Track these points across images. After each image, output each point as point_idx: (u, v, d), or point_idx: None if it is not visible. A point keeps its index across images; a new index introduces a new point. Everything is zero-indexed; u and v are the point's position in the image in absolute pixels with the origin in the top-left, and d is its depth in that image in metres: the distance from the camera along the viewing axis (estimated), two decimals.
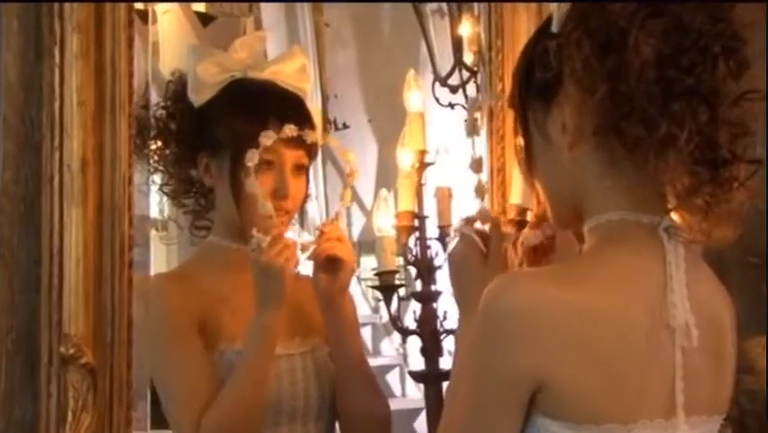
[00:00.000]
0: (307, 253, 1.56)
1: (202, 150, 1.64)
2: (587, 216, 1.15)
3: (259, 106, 1.59)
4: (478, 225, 1.27)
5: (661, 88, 1.05)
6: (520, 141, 1.20)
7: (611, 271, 1.08)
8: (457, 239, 1.28)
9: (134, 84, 1.40)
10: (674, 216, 1.12)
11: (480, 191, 1.39)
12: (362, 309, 4.11)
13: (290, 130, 1.55)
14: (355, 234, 4.67)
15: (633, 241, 1.10)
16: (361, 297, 4.49)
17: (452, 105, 3.38)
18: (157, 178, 1.69)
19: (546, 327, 1.03)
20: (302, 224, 1.73)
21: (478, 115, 1.37)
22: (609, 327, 1.04)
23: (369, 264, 5.12)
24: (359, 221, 4.45)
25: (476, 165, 1.43)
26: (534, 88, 1.15)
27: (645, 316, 1.06)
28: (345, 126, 4.68)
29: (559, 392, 1.03)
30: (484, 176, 1.78)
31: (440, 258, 2.41)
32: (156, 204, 1.74)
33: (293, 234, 1.64)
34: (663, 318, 1.06)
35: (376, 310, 4.63)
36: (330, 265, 1.57)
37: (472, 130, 1.40)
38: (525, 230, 1.31)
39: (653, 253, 1.09)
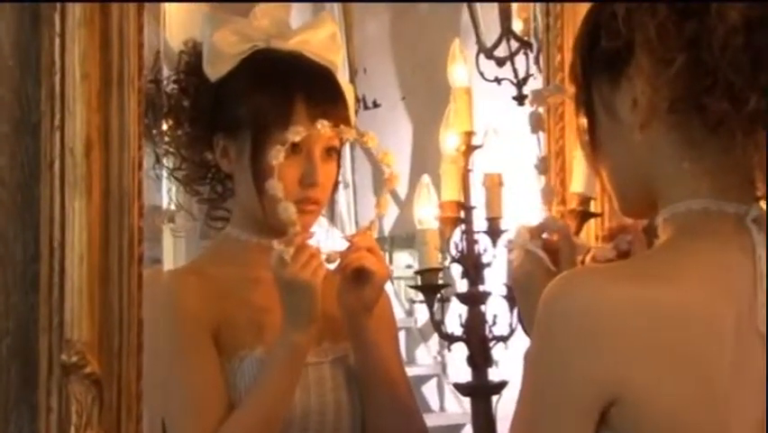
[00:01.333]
0: (334, 265, 1.56)
1: (219, 130, 1.64)
2: (661, 206, 1.14)
3: (284, 81, 1.59)
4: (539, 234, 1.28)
5: (749, 57, 1.04)
6: (583, 120, 1.19)
7: (693, 266, 1.07)
8: (515, 252, 1.28)
9: (144, 55, 1.41)
10: (764, 204, 1.11)
11: (547, 196, 1.38)
12: (395, 312, 4.11)
13: (323, 126, 1.55)
14: (386, 227, 4.68)
15: (716, 233, 1.09)
16: (394, 297, 4.49)
17: (498, 81, 3.37)
18: (167, 161, 1.70)
19: (621, 329, 1.01)
20: (332, 217, 1.73)
21: (540, 109, 1.36)
22: (696, 328, 1.03)
23: (402, 261, 5.14)
24: (391, 211, 4.45)
25: (542, 165, 1.41)
26: (600, 60, 1.15)
27: (733, 317, 1.05)
28: (376, 105, 4.68)
29: (637, 406, 1.02)
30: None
31: (488, 254, 2.40)
32: (166, 191, 1.75)
33: (320, 229, 1.65)
34: (752, 322, 1.05)
35: (410, 313, 4.63)
36: (358, 278, 1.57)
37: (537, 124, 1.39)
38: (598, 244, 1.31)
39: (741, 246, 1.08)
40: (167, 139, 1.69)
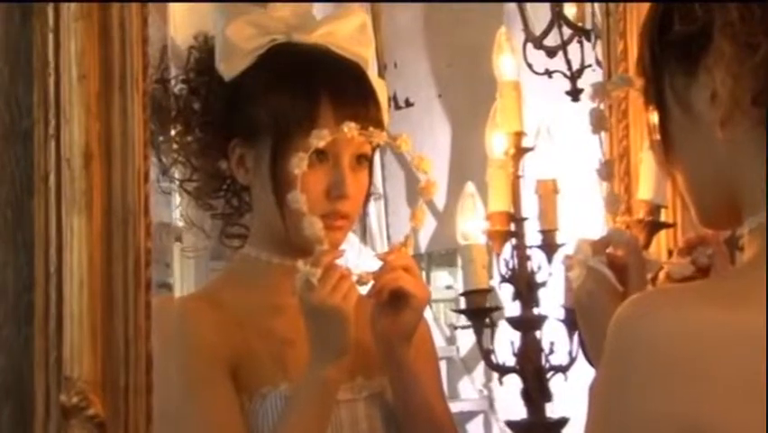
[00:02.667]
0: (366, 288, 1.57)
1: (234, 136, 1.65)
2: (747, 214, 1.12)
3: (308, 79, 1.60)
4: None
5: None
6: (653, 117, 1.19)
7: None
8: (575, 269, 1.27)
9: (149, 52, 1.41)
10: None
11: (612, 204, 1.37)
12: (435, 340, 4.11)
13: (349, 128, 1.55)
14: (422, 243, 4.68)
15: None
16: (433, 323, 4.49)
17: (549, 73, 3.37)
18: (176, 172, 1.71)
19: (708, 359, 1.00)
20: (363, 233, 1.74)
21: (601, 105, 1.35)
22: None
23: (441, 281, 5.14)
24: (428, 225, 4.45)
25: (605, 169, 1.40)
26: (673, 47, 1.14)
27: None
28: (408, 104, 4.69)
29: None
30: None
31: (543, 272, 2.40)
32: (175, 206, 1.76)
33: (351, 247, 1.65)
34: None
35: (451, 341, 4.63)
36: (394, 302, 1.57)
37: (599, 124, 1.38)
38: (673, 259, 1.30)
39: None
40: (175, 146, 1.70)
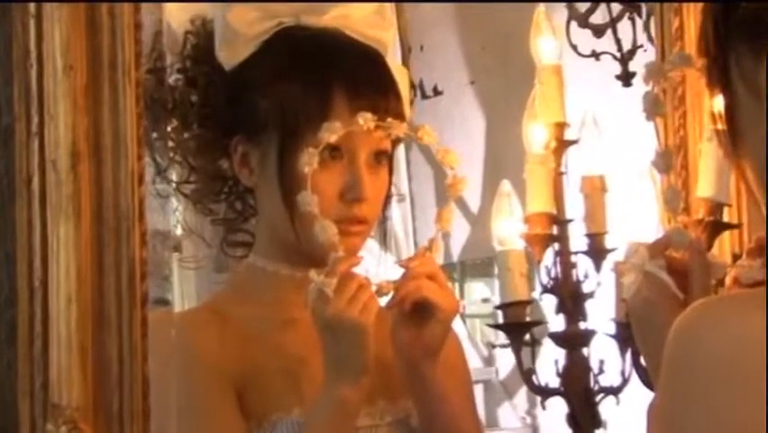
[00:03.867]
0: (387, 299, 1.58)
1: (237, 132, 1.66)
2: None
3: (319, 67, 1.61)
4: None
5: None
6: (716, 103, 1.18)
7: None
8: (629, 275, 1.27)
9: (143, 39, 1.42)
10: None
11: (671, 201, 1.37)
12: (469, 361, 4.11)
13: (365, 120, 1.56)
14: (455, 249, 4.67)
15: None
16: (467, 341, 4.48)
17: (596, 55, 3.36)
18: (172, 173, 1.72)
19: None
20: (383, 238, 1.74)
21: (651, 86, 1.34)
22: None
23: (476, 293, 5.11)
24: (461, 229, 4.44)
25: (663, 161, 1.40)
26: (741, 25, 1.13)
27: None
28: (437, 92, 4.69)
29: None
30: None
31: (591, 281, 2.40)
32: (173, 212, 1.76)
33: (369, 254, 1.65)
34: None
35: (489, 362, 4.62)
36: (417, 314, 1.58)
37: (654, 109, 1.38)
38: (742, 261, 1.30)
39: None
40: (171, 144, 1.71)
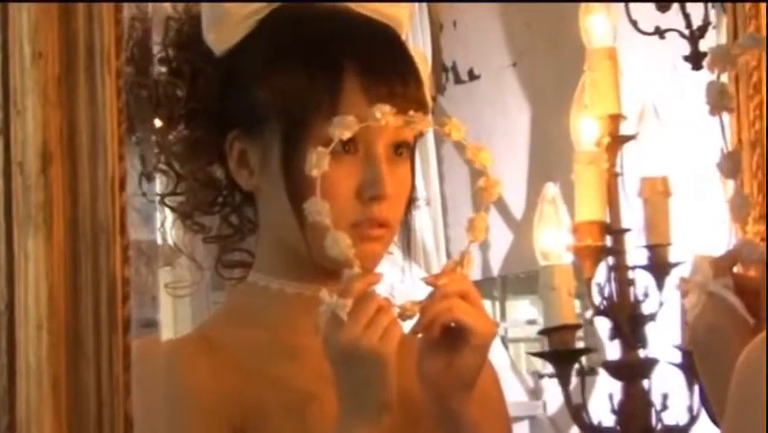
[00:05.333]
0: (412, 323, 1.58)
1: (232, 128, 1.68)
2: None
3: (325, 49, 1.63)
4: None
5: None
6: None
7: None
8: (692, 295, 1.28)
9: (124, 24, 1.42)
10: None
11: (738, 210, 1.37)
12: (512, 394, 4.12)
13: (382, 113, 1.57)
14: (494, 263, 4.67)
15: None
16: (509, 370, 4.48)
17: (661, 33, 3.36)
18: (158, 181, 1.73)
19: None
20: (407, 248, 1.75)
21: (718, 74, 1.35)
22: None
23: (519, 314, 5.11)
24: (502, 239, 4.44)
25: (729, 162, 1.41)
26: None
27: None
28: (473, 76, 4.70)
29: None
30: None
31: (652, 301, 2.40)
32: (160, 223, 1.77)
33: (391, 269, 1.66)
34: None
35: (535, 394, 4.62)
36: (447, 341, 1.58)
37: (720, 102, 1.39)
38: None
39: None
40: (156, 149, 1.72)
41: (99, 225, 1.41)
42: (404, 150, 1.63)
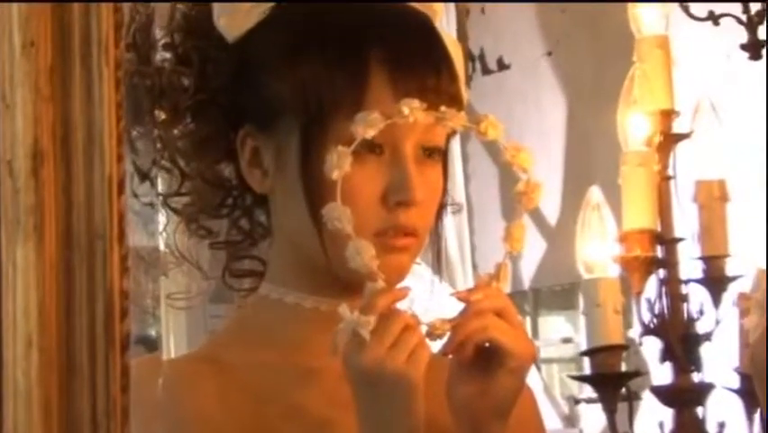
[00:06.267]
0: (442, 342, 1.58)
1: (244, 123, 1.69)
2: None
3: (352, 37, 1.64)
4: None
5: None
6: None
7: None
8: (753, 314, 1.29)
9: (125, 11, 1.43)
10: None
11: None
12: (545, 421, 4.12)
13: (411, 109, 1.56)
14: (526, 275, 4.68)
15: None
16: (542, 394, 4.49)
17: (715, 19, 3.37)
18: (160, 181, 1.74)
19: None
20: (437, 259, 1.76)
21: None
22: None
23: (554, 332, 5.11)
24: (534, 247, 4.45)
25: None
26: None
27: None
28: (502, 66, 4.71)
29: None
30: None
31: (707, 319, 2.40)
32: (162, 228, 1.78)
33: (418, 282, 1.67)
34: None
35: (572, 422, 4.63)
36: (482, 363, 1.58)
37: None
38: None
39: None
40: (158, 145, 1.72)
41: (95, 232, 1.42)
42: (436, 152, 1.64)
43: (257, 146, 1.68)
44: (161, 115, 1.72)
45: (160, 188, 1.75)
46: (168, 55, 1.73)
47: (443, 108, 1.59)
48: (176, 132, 1.72)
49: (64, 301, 1.40)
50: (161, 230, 1.77)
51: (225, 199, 1.74)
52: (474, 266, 4.48)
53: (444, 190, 1.68)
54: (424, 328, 1.55)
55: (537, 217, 4.27)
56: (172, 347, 2.29)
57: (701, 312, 2.42)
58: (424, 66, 1.62)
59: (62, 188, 1.39)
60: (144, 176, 1.73)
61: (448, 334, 1.58)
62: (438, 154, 1.65)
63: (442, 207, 1.70)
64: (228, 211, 1.75)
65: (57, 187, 1.39)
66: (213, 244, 1.77)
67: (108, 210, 1.41)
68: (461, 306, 1.59)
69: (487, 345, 1.57)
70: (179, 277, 1.81)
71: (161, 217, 1.76)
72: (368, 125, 1.56)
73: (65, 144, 1.40)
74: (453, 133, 1.65)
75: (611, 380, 2.31)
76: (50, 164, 1.38)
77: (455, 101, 1.63)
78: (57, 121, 1.40)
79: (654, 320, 2.42)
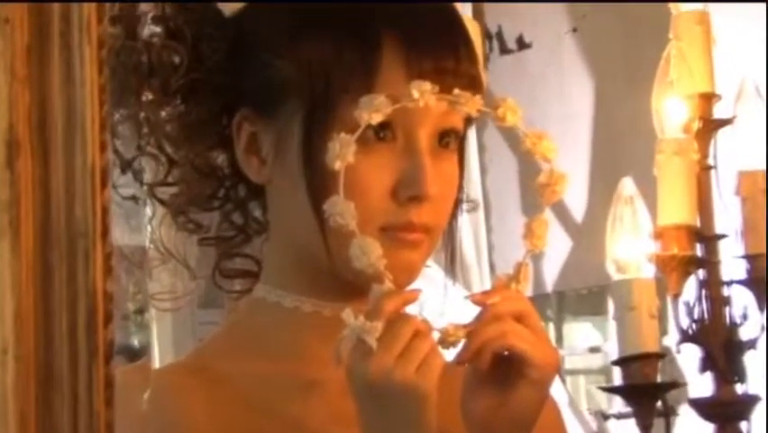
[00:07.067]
0: (456, 351, 1.58)
1: (240, 106, 1.69)
2: None
3: (362, 12, 1.64)
4: None
5: None
6: None
7: None
8: None
9: None
10: None
11: None
12: None
13: (422, 93, 1.56)
14: (549, 277, 4.68)
15: None
16: (567, 408, 4.49)
17: None
18: (146, 170, 1.74)
19: None
20: (451, 259, 1.76)
21: None
22: None
23: (580, 339, 5.11)
24: (558, 246, 4.46)
25: None
26: None
27: None
28: (522, 45, 4.72)
29: None
30: None
31: (752, 325, 2.40)
32: (147, 222, 1.78)
33: (429, 285, 1.67)
34: None
35: None
36: (500, 373, 1.58)
37: None
38: None
39: None
40: (144, 129, 1.72)
41: (76, 229, 1.42)
42: (451, 139, 1.64)
43: (255, 131, 1.68)
44: (148, 96, 1.72)
45: (146, 176, 1.75)
46: (157, 29, 1.73)
47: (456, 91, 1.58)
48: (164, 114, 1.73)
49: (42, 305, 1.40)
50: (147, 222, 1.77)
51: (217, 190, 1.74)
52: (492, 266, 4.49)
53: (462, 182, 1.69)
54: (436, 335, 1.55)
55: (561, 212, 4.28)
56: (157, 356, 2.29)
57: (745, 317, 2.42)
58: (441, 46, 1.63)
59: (39, 181, 1.40)
60: (128, 164, 1.73)
61: (463, 341, 1.57)
62: (455, 141, 1.65)
63: (457, 204, 1.70)
64: (220, 203, 1.75)
65: (34, 179, 1.40)
66: (202, 239, 1.77)
67: (90, 205, 1.41)
68: (476, 310, 1.59)
69: (506, 353, 1.57)
70: (165, 276, 1.81)
71: (147, 210, 1.76)
72: (373, 110, 1.55)
73: (42, 132, 1.40)
74: (471, 120, 1.65)
75: (646, 392, 2.30)
76: (26, 154, 1.38)
77: (474, 85, 1.63)
78: (34, 106, 1.40)
79: (693, 326, 2.42)
